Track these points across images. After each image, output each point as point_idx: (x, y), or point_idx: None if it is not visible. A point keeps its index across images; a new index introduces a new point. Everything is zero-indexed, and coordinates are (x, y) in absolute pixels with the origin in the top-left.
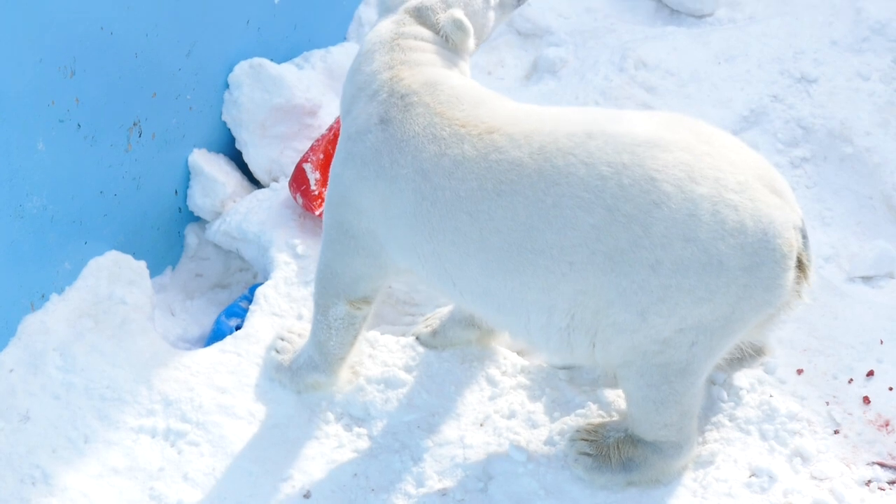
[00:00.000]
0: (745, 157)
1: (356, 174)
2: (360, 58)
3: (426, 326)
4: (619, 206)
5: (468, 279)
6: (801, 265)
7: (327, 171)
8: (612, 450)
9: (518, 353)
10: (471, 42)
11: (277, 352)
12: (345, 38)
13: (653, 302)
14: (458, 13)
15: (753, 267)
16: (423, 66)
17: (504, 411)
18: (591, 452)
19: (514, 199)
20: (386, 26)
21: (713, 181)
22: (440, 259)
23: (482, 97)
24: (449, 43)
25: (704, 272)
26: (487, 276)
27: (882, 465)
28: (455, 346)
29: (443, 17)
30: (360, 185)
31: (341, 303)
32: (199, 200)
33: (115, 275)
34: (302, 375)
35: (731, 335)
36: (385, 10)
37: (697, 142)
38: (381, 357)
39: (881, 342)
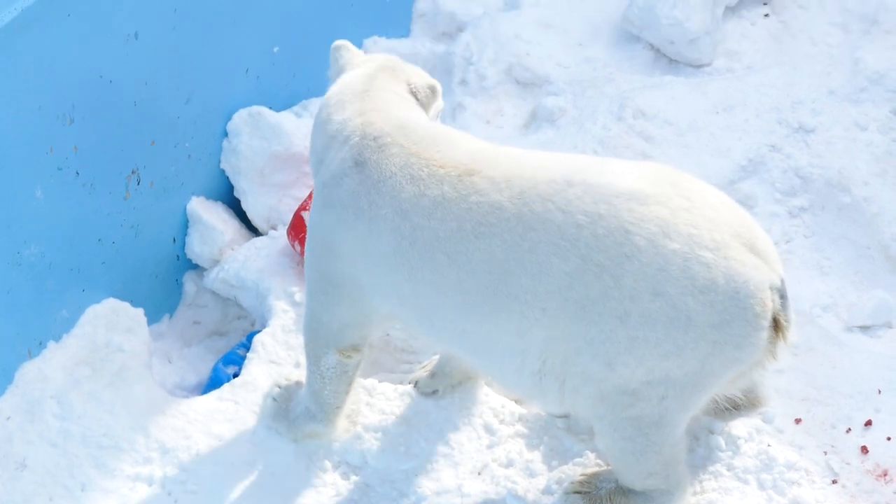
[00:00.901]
0: (725, 215)
1: (336, 218)
2: (329, 108)
3: (423, 370)
4: (592, 255)
5: (445, 320)
6: (778, 325)
7: None
8: (605, 501)
9: (516, 402)
10: (437, 105)
11: (275, 399)
12: None
13: (620, 353)
14: (432, 80)
15: (723, 324)
16: (393, 111)
17: (502, 460)
18: None
19: (492, 241)
20: (356, 77)
21: (686, 237)
22: (419, 299)
23: (456, 139)
24: (416, 100)
25: (672, 326)
26: (464, 317)
27: None
28: (455, 385)
29: (415, 78)
30: (339, 228)
31: (331, 352)
32: (197, 248)
33: (113, 322)
34: (299, 425)
35: (702, 390)
36: (337, 72)
37: (677, 196)
38: (379, 405)
39: (879, 392)
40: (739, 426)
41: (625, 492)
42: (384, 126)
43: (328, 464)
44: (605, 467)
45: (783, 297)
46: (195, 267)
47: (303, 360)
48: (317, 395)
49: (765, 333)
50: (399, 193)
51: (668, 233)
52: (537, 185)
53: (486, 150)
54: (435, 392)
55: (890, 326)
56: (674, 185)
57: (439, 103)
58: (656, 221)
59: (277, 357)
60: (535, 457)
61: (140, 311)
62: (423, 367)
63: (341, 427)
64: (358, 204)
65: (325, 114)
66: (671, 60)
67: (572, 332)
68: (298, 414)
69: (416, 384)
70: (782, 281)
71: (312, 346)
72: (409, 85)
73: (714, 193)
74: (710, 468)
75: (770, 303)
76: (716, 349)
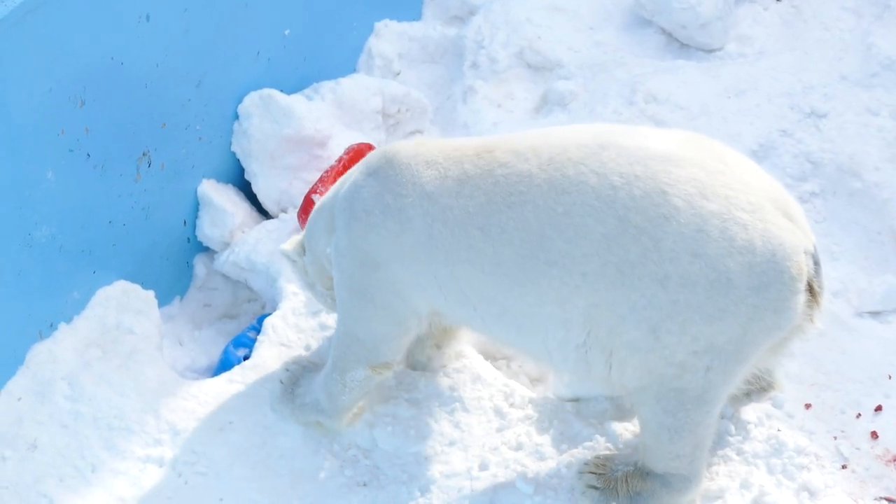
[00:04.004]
0: (759, 179)
1: (364, 226)
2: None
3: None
4: (629, 216)
5: (487, 300)
6: (812, 291)
7: None
8: (620, 483)
9: (526, 385)
10: None
11: (282, 382)
12: (355, 70)
13: (662, 318)
14: None
15: (762, 287)
16: None
17: (512, 443)
18: (598, 486)
19: (525, 209)
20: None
21: (724, 199)
22: (458, 282)
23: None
24: None
25: (713, 289)
26: (504, 292)
27: (890, 500)
28: (440, 345)
29: None
30: (370, 235)
31: (362, 368)
32: (207, 231)
33: (124, 304)
34: (305, 412)
35: (744, 360)
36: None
37: (712, 160)
38: (389, 389)
39: (889, 377)
40: (749, 411)
41: (642, 475)
42: (377, 152)
43: (337, 446)
44: (616, 451)
45: (816, 262)
46: (206, 249)
47: (313, 343)
48: (332, 397)
49: (801, 297)
50: (420, 178)
51: (705, 194)
52: (567, 150)
53: (491, 137)
54: (430, 359)
55: None
56: (707, 149)
57: None
58: (693, 183)
59: (288, 340)
60: (545, 440)
61: (151, 294)
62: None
63: (346, 422)
64: (383, 202)
65: (314, 217)
66: (683, 45)
67: (614, 298)
68: (307, 402)
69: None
70: (815, 246)
71: (343, 360)
72: None
73: (745, 159)
74: (720, 452)
75: (805, 266)
76: (756, 314)
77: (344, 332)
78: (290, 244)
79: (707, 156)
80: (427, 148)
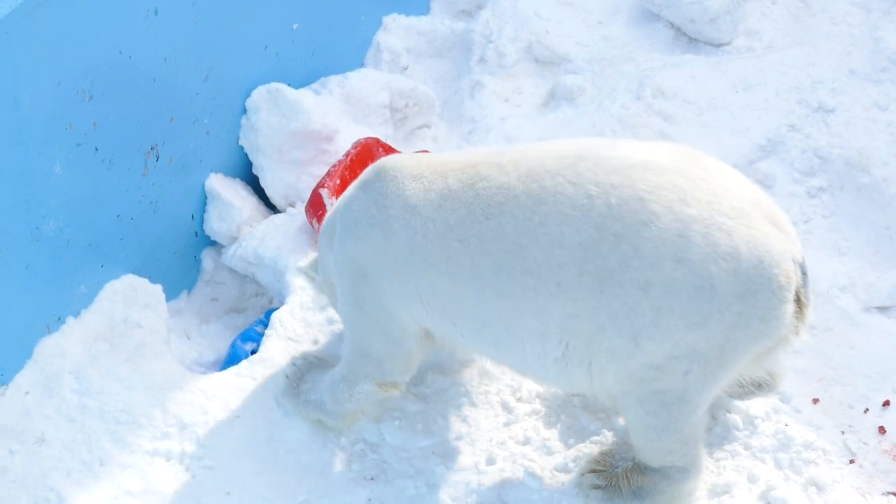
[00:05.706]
0: (743, 186)
1: (354, 238)
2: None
3: None
4: (606, 224)
5: (466, 314)
6: (799, 302)
7: None
8: (622, 479)
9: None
10: None
11: (287, 377)
12: (362, 64)
13: (645, 325)
14: None
15: (748, 294)
16: None
17: (519, 437)
18: (601, 484)
19: (503, 219)
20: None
21: (705, 204)
22: (438, 296)
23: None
24: None
25: (696, 295)
26: (482, 305)
27: None
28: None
29: None
30: (359, 246)
31: (370, 383)
32: (215, 225)
33: (131, 298)
34: (309, 410)
35: (727, 366)
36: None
37: (693, 167)
38: None
39: None
40: (757, 406)
41: (642, 469)
42: (372, 166)
43: (345, 441)
44: (613, 446)
45: (804, 272)
46: (213, 243)
47: (320, 337)
48: (338, 402)
49: (789, 307)
50: (405, 191)
51: (685, 199)
52: (545, 163)
53: (481, 151)
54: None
55: None
56: (689, 157)
57: None
58: (673, 189)
59: (295, 334)
60: (552, 435)
61: (158, 288)
62: None
63: (348, 424)
64: (369, 213)
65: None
66: (691, 39)
67: (593, 307)
68: (310, 400)
69: None
70: (803, 256)
71: (352, 374)
72: None
73: (729, 169)
74: (728, 447)
75: (793, 275)
76: (741, 321)
77: (351, 346)
78: (306, 261)
79: (688, 164)
80: (417, 162)
